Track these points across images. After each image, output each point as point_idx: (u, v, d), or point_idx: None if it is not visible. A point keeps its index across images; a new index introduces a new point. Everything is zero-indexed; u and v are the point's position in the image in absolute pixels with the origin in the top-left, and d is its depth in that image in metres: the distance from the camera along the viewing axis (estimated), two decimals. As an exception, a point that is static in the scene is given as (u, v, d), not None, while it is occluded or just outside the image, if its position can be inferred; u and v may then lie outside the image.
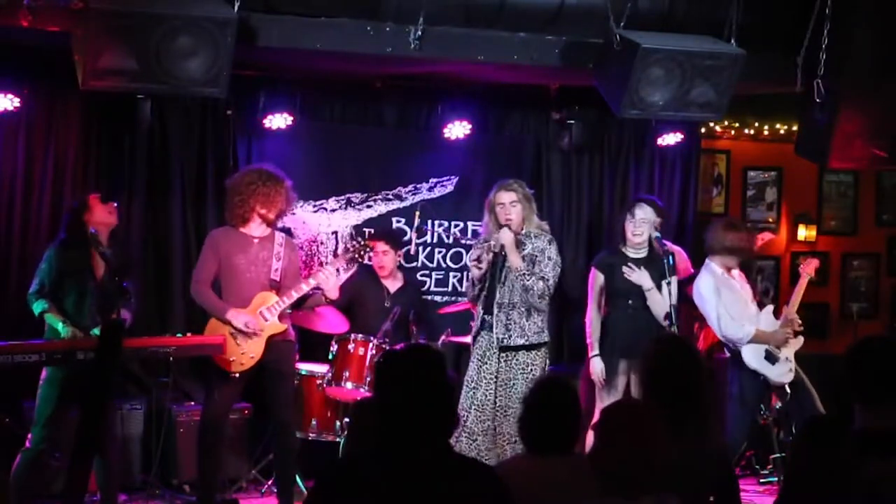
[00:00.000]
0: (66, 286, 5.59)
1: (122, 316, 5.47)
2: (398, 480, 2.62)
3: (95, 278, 5.60)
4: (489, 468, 2.87)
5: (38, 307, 5.57)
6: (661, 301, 6.07)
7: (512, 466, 3.77)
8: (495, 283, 5.81)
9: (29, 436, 5.56)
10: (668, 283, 6.22)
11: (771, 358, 6.28)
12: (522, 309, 5.78)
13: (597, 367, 6.17)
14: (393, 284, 6.85)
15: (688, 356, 3.93)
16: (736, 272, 6.42)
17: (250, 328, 5.70)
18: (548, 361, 5.96)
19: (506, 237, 5.74)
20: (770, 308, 6.50)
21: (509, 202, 5.82)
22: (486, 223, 6.00)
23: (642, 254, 6.23)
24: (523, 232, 5.87)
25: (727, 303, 6.25)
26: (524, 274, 5.72)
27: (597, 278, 6.32)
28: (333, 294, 5.99)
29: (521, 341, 5.77)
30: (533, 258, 5.82)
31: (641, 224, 6.18)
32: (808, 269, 6.76)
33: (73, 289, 5.59)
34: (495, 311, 5.78)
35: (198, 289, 5.85)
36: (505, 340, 5.75)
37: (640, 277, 6.14)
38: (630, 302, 6.18)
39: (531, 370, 5.78)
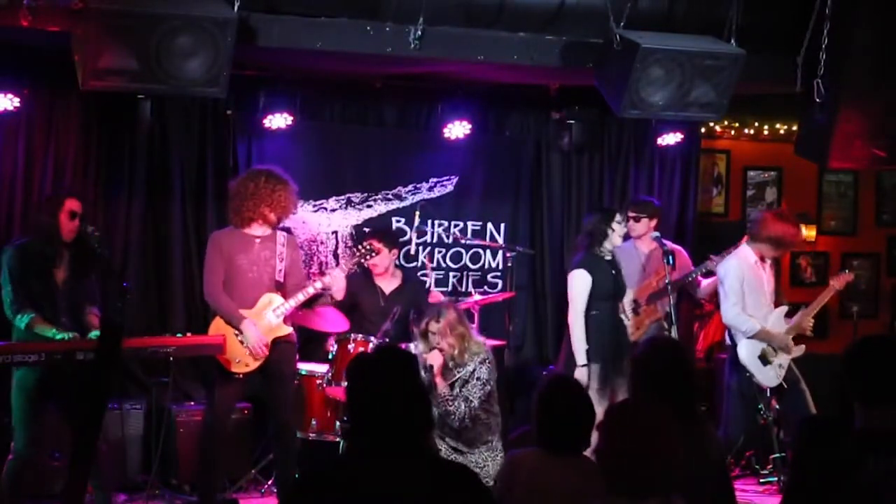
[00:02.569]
0: (32, 285, 5.38)
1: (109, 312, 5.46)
2: (373, 484, 2.61)
3: (57, 280, 5.44)
4: (469, 470, 2.86)
5: (23, 320, 5.31)
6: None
7: (523, 456, 3.76)
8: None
9: (12, 445, 5.48)
10: (668, 284, 6.24)
11: (763, 359, 6.29)
12: (454, 424, 5.70)
13: (583, 376, 6.13)
14: (389, 284, 6.81)
15: (680, 358, 3.94)
16: (768, 265, 6.43)
17: (258, 348, 5.69)
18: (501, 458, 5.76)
19: (435, 359, 5.70)
20: (784, 309, 6.48)
21: (438, 332, 5.73)
22: (416, 344, 5.90)
23: (609, 256, 6.37)
24: (462, 355, 5.75)
25: (747, 292, 6.27)
26: (447, 399, 5.67)
27: (584, 280, 6.27)
28: (340, 295, 6.03)
29: (467, 450, 5.72)
30: (465, 381, 5.74)
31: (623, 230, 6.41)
32: (839, 282, 6.72)
33: (38, 287, 5.40)
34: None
35: (212, 293, 5.80)
36: (451, 456, 5.68)
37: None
38: (606, 304, 6.23)
39: (485, 467, 5.69)
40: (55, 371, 5.25)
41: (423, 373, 5.73)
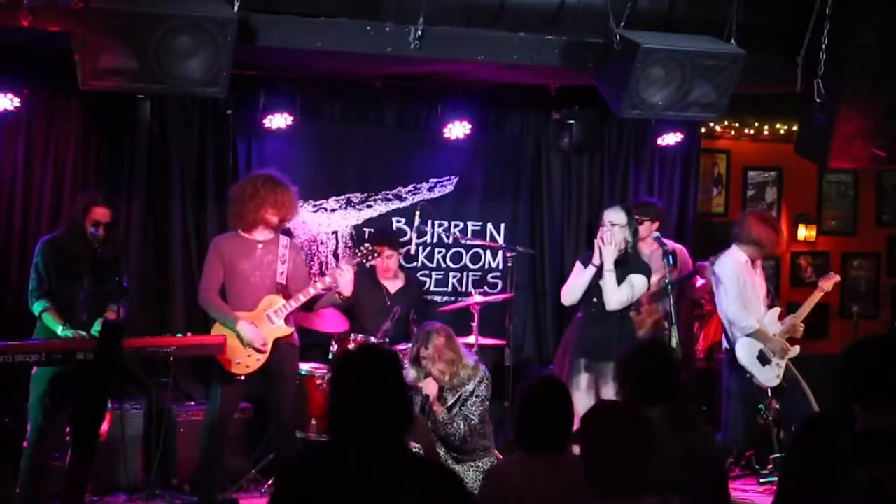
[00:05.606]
0: (57, 280, 5.65)
1: (119, 313, 5.51)
2: (352, 481, 2.60)
3: (82, 277, 5.64)
4: (448, 470, 2.86)
5: (37, 307, 5.62)
6: (612, 288, 6.00)
7: (507, 468, 3.77)
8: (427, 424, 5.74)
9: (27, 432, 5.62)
10: (668, 283, 6.23)
11: (763, 359, 6.30)
12: (455, 443, 5.73)
13: None
14: (394, 284, 6.83)
15: (662, 360, 3.95)
16: (759, 267, 6.44)
17: (257, 345, 5.71)
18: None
19: (430, 388, 5.70)
20: (777, 310, 6.50)
21: (428, 357, 5.73)
22: (409, 371, 5.83)
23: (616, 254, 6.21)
24: (452, 379, 5.75)
25: (742, 290, 6.28)
26: (446, 423, 5.67)
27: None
28: (348, 290, 5.96)
29: (466, 458, 5.75)
30: (464, 401, 5.74)
31: (610, 227, 6.10)
32: (827, 284, 6.73)
33: (63, 283, 5.64)
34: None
35: (207, 297, 5.84)
36: (452, 463, 5.71)
37: (606, 252, 6.04)
38: (595, 300, 6.14)
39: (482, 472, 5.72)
40: (71, 369, 5.30)
41: (416, 398, 5.75)
